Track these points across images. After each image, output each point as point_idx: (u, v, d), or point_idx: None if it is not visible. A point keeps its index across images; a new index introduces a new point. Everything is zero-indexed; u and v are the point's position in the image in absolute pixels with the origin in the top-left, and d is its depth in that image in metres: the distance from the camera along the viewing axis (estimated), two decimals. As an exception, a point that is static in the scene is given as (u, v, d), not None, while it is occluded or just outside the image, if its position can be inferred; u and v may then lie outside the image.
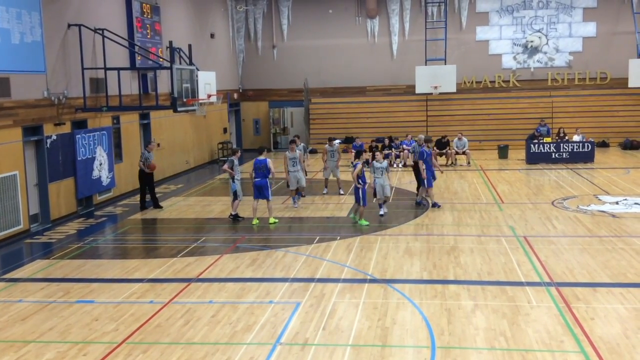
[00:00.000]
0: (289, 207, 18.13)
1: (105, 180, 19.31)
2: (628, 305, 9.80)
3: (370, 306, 10.00)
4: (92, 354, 8.54)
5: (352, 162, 26.39)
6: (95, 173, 18.77)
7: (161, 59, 22.39)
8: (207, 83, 21.66)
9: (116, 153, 20.33)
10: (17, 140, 15.47)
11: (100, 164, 19.01)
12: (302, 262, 12.61)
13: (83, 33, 18.05)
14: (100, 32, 18.72)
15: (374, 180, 16.35)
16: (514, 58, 32.27)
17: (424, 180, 17.40)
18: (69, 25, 17.75)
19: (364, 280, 11.36)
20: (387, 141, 27.14)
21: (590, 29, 31.65)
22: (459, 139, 26.66)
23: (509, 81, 32.27)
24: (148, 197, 18.63)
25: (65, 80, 17.53)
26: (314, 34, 33.03)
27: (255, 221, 15.96)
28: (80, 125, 18.36)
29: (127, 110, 20.31)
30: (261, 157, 15.98)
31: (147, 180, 18.44)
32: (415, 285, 11.00)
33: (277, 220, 16.15)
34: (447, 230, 14.97)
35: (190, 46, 20.46)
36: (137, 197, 20.65)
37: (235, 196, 16.36)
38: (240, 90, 33.90)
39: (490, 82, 32.29)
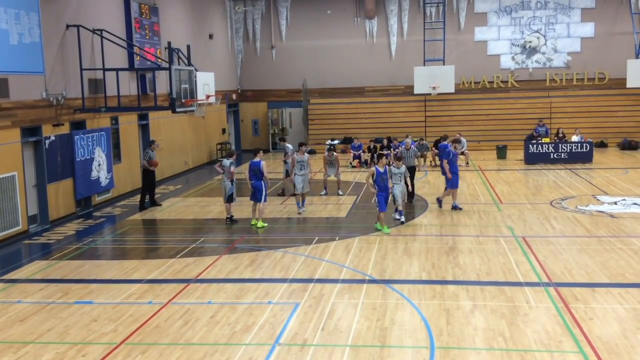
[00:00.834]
0: (287, 206, 18.11)
1: (104, 181, 19.30)
2: (627, 306, 9.81)
3: (369, 306, 10.00)
4: (91, 355, 8.53)
5: (350, 163, 26.56)
6: (94, 174, 18.76)
7: (160, 60, 22.38)
8: (206, 84, 21.68)
9: (115, 154, 20.32)
10: (16, 141, 15.46)
11: (99, 165, 19.00)
12: (301, 262, 12.61)
13: (81, 34, 18.04)
14: (99, 32, 18.71)
15: (393, 186, 15.60)
16: (513, 58, 32.31)
17: (449, 181, 17.02)
18: (68, 26, 17.75)
19: (362, 281, 11.36)
20: (385, 142, 27.13)
21: (588, 29, 31.68)
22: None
23: (507, 81, 32.29)
24: (148, 198, 18.65)
25: (63, 81, 17.52)
26: (312, 35, 33.04)
27: (254, 222, 15.93)
28: (78, 126, 18.35)
29: (125, 111, 20.31)
30: (256, 159, 15.93)
31: (149, 179, 18.50)
32: (414, 285, 11.00)
33: (266, 225, 15.94)
34: (446, 231, 14.98)
35: (188, 47, 20.45)
36: (137, 198, 20.63)
37: (231, 199, 16.27)
38: (239, 91, 33.91)
39: (489, 82, 32.32)
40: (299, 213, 17.18)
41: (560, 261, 12.23)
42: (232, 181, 16.18)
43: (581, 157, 25.50)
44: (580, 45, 31.79)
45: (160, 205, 18.63)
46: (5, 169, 15.00)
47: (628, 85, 28.93)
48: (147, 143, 19.04)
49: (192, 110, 20.27)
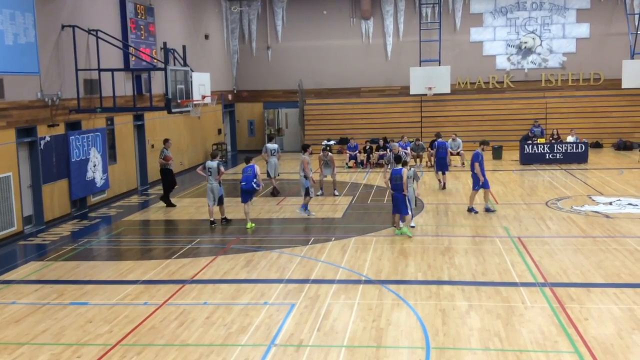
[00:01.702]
0: (282, 207, 18.10)
1: (99, 181, 19.26)
2: (622, 306, 9.83)
3: (365, 307, 10.00)
4: (86, 356, 8.52)
5: (346, 164, 26.56)
6: (89, 174, 18.72)
7: (155, 60, 22.34)
8: (202, 84, 21.62)
9: (110, 154, 20.28)
10: (11, 142, 15.42)
11: (94, 166, 18.96)
12: (296, 263, 12.61)
13: (77, 34, 18.00)
14: (94, 33, 18.68)
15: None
16: (508, 59, 32.36)
17: (480, 183, 16.68)
18: (63, 27, 17.71)
19: (358, 281, 11.36)
20: (381, 142, 27.15)
21: (583, 30, 31.75)
22: (453, 139, 26.67)
23: (503, 82, 32.34)
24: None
25: (59, 82, 17.49)
26: (308, 35, 33.04)
27: (248, 224, 15.90)
28: (74, 126, 18.31)
29: (121, 111, 20.27)
30: (251, 163, 16.00)
31: (167, 177, 18.72)
32: (409, 286, 11.01)
33: (254, 225, 15.89)
34: (442, 231, 14.99)
35: (184, 47, 20.43)
36: (132, 199, 20.63)
37: (221, 201, 16.17)
38: (235, 92, 33.88)
39: (484, 83, 32.36)
40: (309, 216, 16.88)
41: (555, 261, 12.25)
42: (219, 182, 16.05)
43: (576, 157, 25.55)
44: (576, 46, 31.86)
45: (175, 206, 18.68)
46: (0, 170, 14.96)
47: (623, 86, 29.03)
48: (165, 140, 19.47)
49: (188, 111, 20.25)
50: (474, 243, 13.81)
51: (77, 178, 18.07)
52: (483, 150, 17.28)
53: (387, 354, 8.31)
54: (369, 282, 11.32)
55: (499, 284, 10.96)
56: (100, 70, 18.82)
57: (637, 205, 17.20)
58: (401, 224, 14.64)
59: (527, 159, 25.59)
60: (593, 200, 18.13)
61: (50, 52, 17.13)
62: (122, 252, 14.36)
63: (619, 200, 17.96)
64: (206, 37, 29.68)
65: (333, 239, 14.49)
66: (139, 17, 22.33)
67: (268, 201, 19.20)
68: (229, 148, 32.67)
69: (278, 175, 20.77)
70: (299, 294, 10.71)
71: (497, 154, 27.63)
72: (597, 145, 29.94)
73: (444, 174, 20.69)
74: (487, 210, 16.84)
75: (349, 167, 26.30)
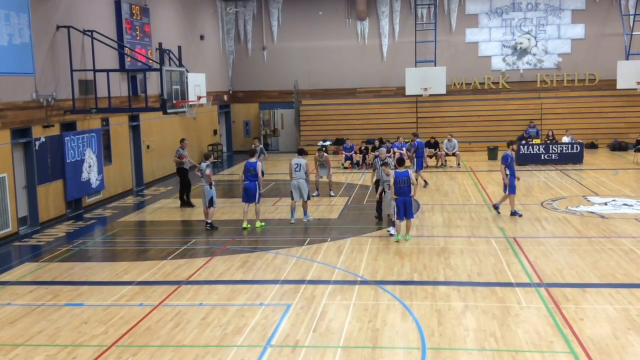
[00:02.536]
0: (278, 207, 18.09)
1: (94, 182, 19.22)
2: (617, 306, 9.85)
3: (360, 308, 10.00)
4: (81, 357, 8.49)
5: (342, 165, 26.56)
6: (85, 175, 18.68)
7: (151, 61, 22.32)
8: (197, 85, 21.64)
9: (105, 155, 20.24)
10: (6, 143, 15.38)
11: (90, 166, 18.92)
12: (292, 264, 12.60)
13: (72, 35, 17.96)
14: (89, 33, 18.64)
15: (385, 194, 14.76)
16: (503, 60, 32.41)
17: (506, 186, 16.22)
18: (58, 27, 17.67)
19: (354, 282, 11.36)
20: (377, 143, 27.16)
21: (578, 30, 31.83)
22: (449, 140, 26.73)
23: (498, 83, 32.40)
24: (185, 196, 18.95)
25: (54, 82, 17.45)
26: (304, 36, 33.04)
27: (245, 224, 15.87)
28: (69, 127, 18.27)
29: (116, 112, 20.25)
30: (252, 160, 15.92)
31: (183, 176, 18.79)
32: (405, 286, 11.01)
33: (264, 224, 16.04)
34: (437, 232, 15.00)
35: (179, 48, 20.42)
36: (127, 200, 20.60)
37: (211, 203, 15.86)
38: (230, 92, 33.86)
39: (480, 83, 32.41)
40: (308, 221, 16.42)
41: (551, 262, 12.27)
42: (210, 185, 15.86)
43: (572, 158, 25.61)
44: (571, 47, 31.94)
45: (194, 206, 18.57)
46: (-5, 171, 14.94)
47: (618, 87, 29.13)
48: (181, 140, 19.63)
49: (184, 112, 20.24)
50: (470, 243, 13.82)
51: (72, 179, 18.03)
52: (513, 150, 16.85)
53: (383, 354, 8.31)
54: (364, 282, 11.32)
55: (494, 285, 10.97)
56: (95, 70, 18.78)
57: (632, 205, 17.25)
58: (392, 230, 14.41)
59: (523, 160, 25.61)
60: (588, 200, 18.18)
61: (45, 53, 17.10)
62: (118, 253, 14.33)
63: (614, 200, 18.01)
64: (201, 37, 29.66)
65: (329, 239, 14.48)
66: (134, 17, 22.29)
67: (264, 202, 19.15)
68: (224, 149, 32.65)
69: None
70: (295, 294, 10.71)
71: (493, 154, 27.67)
72: (592, 145, 30.01)
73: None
74: (496, 209, 16.59)
75: (345, 168, 26.31)
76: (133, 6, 22.16)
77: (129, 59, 21.32)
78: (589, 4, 31.56)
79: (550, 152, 25.69)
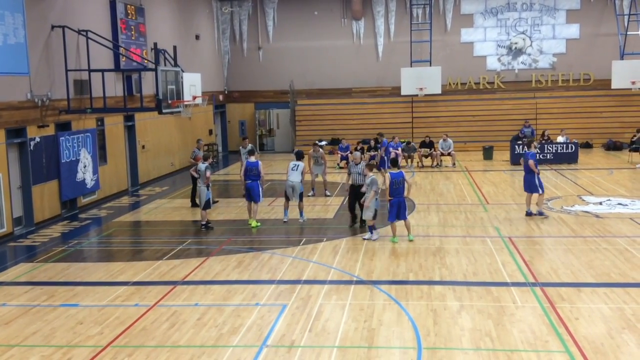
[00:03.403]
0: (274, 207, 18.08)
1: (89, 182, 19.18)
2: (612, 305, 9.88)
3: (356, 308, 10.01)
4: (76, 358, 8.48)
5: (338, 164, 26.55)
6: (80, 175, 18.63)
7: (146, 61, 22.28)
8: (192, 85, 21.59)
9: (100, 155, 20.20)
10: (0, 143, 15.32)
11: (85, 166, 18.88)
12: (288, 264, 12.60)
13: (67, 34, 17.91)
14: (84, 33, 18.60)
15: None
16: (499, 60, 32.47)
17: (535, 187, 16.01)
18: (53, 27, 17.62)
19: (350, 282, 11.36)
20: (372, 143, 27.15)
21: (573, 30, 31.91)
22: (444, 140, 26.75)
23: (493, 83, 32.45)
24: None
25: (48, 82, 17.40)
26: (299, 36, 33.03)
27: (250, 221, 15.88)
28: (64, 127, 18.22)
29: (111, 112, 20.20)
30: (252, 160, 15.95)
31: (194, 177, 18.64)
32: (401, 286, 11.02)
33: (259, 224, 16.02)
34: (433, 231, 15.02)
35: (175, 48, 20.38)
36: (123, 200, 20.57)
37: (207, 205, 15.74)
38: (226, 92, 33.83)
39: (475, 83, 32.46)
40: (302, 221, 16.35)
41: (546, 261, 12.31)
42: (207, 186, 15.74)
43: (566, 157, 25.67)
44: (566, 47, 32.01)
45: (217, 201, 18.53)
46: (-11, 171, 14.89)
47: (613, 87, 29.21)
48: (197, 140, 19.67)
49: (179, 112, 20.21)
50: (465, 243, 13.84)
51: (67, 179, 17.98)
52: (535, 148, 16.42)
53: (379, 354, 8.32)
54: (360, 282, 11.32)
55: (490, 284, 10.99)
56: (90, 70, 18.73)
57: (626, 205, 17.30)
58: (366, 235, 14.31)
59: (518, 159, 25.55)
60: (583, 200, 18.22)
61: (40, 53, 17.05)
62: (113, 254, 14.30)
63: (609, 200, 18.06)
64: (197, 37, 29.62)
65: (325, 239, 14.48)
66: (129, 17, 22.25)
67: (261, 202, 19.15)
68: (220, 149, 32.61)
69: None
70: (291, 294, 10.71)
71: (488, 154, 27.72)
72: (587, 145, 30.09)
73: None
74: (540, 214, 16.04)
75: (341, 168, 26.28)
76: (128, 6, 22.11)
77: (124, 58, 21.27)
78: (584, 4, 31.64)
79: (545, 151, 25.73)
